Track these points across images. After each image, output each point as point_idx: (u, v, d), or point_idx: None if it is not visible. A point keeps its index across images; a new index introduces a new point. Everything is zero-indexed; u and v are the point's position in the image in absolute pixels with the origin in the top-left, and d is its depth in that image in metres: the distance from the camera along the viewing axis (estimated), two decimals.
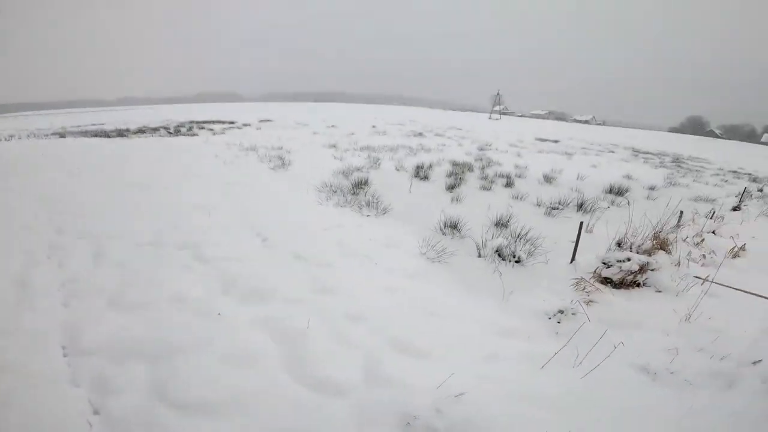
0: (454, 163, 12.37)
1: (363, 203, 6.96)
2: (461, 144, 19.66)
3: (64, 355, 2.74)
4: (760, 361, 2.98)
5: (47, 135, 17.72)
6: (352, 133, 21.35)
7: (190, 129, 20.76)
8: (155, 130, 20.27)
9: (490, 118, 61.33)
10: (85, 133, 18.14)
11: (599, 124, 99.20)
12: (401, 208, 6.85)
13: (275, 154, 12.11)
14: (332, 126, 25.89)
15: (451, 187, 8.98)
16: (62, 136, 17.07)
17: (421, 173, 9.94)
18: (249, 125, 24.41)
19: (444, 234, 5.65)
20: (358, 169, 10.19)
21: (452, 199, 7.93)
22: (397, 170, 10.65)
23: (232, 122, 26.23)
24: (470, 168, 11.95)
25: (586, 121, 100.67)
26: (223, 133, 19.33)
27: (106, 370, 2.58)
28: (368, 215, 6.45)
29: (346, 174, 9.48)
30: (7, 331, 2.89)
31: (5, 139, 14.89)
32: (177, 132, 19.23)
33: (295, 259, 4.42)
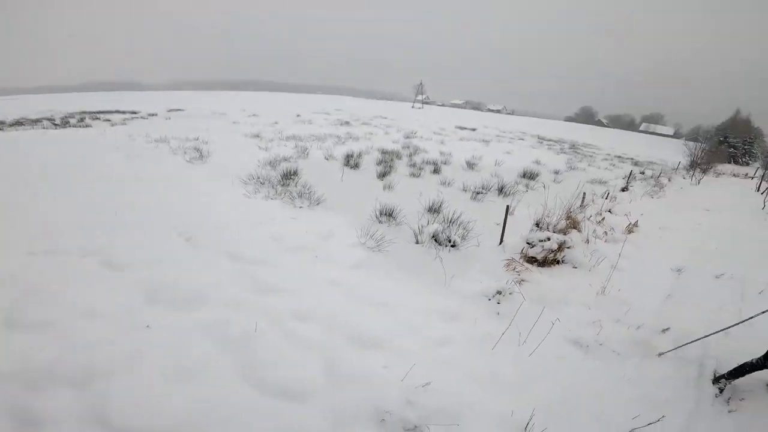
0: (383, 151, 12.52)
1: (294, 194, 6.72)
2: (388, 132, 19.95)
3: None
4: (668, 328, 3.51)
5: None
6: (276, 123, 20.44)
7: (82, 120, 18.01)
8: (36, 121, 17.23)
9: (413, 107, 63.02)
10: None
11: (509, 113, 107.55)
12: (335, 198, 6.75)
13: (191, 145, 11.09)
14: (253, 115, 24.49)
15: (382, 175, 9.08)
16: None
17: (351, 162, 9.88)
18: (155, 115, 21.97)
19: (380, 222, 5.70)
20: (286, 159, 9.80)
21: (384, 187, 8.02)
22: (327, 159, 10.46)
23: (134, 112, 23.35)
24: (399, 156, 12.19)
25: (498, 111, 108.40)
26: (124, 123, 17.15)
27: (22, 399, 2.18)
28: (301, 207, 6.25)
29: (273, 164, 9.05)
30: None
31: None
32: (65, 123, 16.56)
33: (227, 258, 4.11)
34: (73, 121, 17.63)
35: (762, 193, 15.52)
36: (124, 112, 23.10)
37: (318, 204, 6.40)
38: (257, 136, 14.53)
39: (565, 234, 4.89)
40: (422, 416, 2.38)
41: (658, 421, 2.45)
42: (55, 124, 16.09)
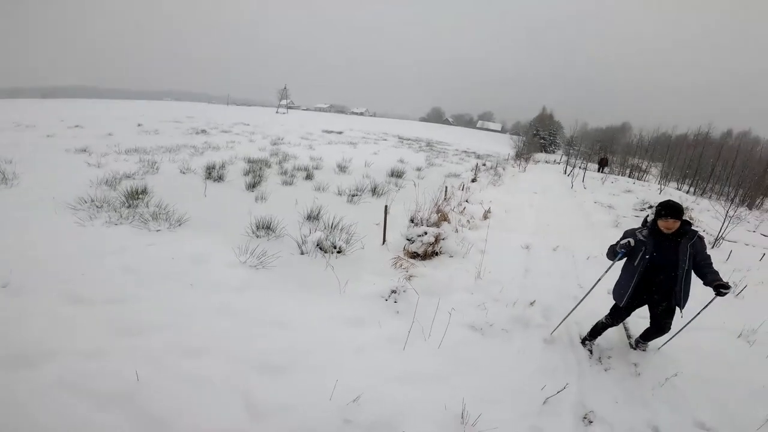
0: (250, 160, 11.74)
1: (147, 216, 5.73)
2: (252, 140, 18.81)
3: None
4: (534, 301, 4.10)
5: None
6: (110, 134, 17.16)
7: None
8: None
9: (277, 112, 60.85)
10: None
11: (372, 115, 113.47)
12: (200, 216, 5.99)
13: None
14: (77, 126, 20.03)
15: (252, 186, 8.49)
16: None
17: (214, 174, 8.96)
18: None
19: (258, 237, 5.30)
20: (129, 176, 8.30)
21: (257, 198, 7.51)
22: (184, 173, 9.26)
23: None
24: (268, 164, 11.59)
25: (361, 113, 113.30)
26: None
27: None
28: (159, 230, 5.36)
29: (111, 184, 7.56)
30: None
31: None
32: None
33: (68, 301, 3.23)
34: None
35: (568, 176, 19.91)
36: None
37: (180, 225, 5.59)
38: (85, 150, 11.94)
39: (438, 226, 5.35)
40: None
41: (564, 389, 2.83)
42: None
